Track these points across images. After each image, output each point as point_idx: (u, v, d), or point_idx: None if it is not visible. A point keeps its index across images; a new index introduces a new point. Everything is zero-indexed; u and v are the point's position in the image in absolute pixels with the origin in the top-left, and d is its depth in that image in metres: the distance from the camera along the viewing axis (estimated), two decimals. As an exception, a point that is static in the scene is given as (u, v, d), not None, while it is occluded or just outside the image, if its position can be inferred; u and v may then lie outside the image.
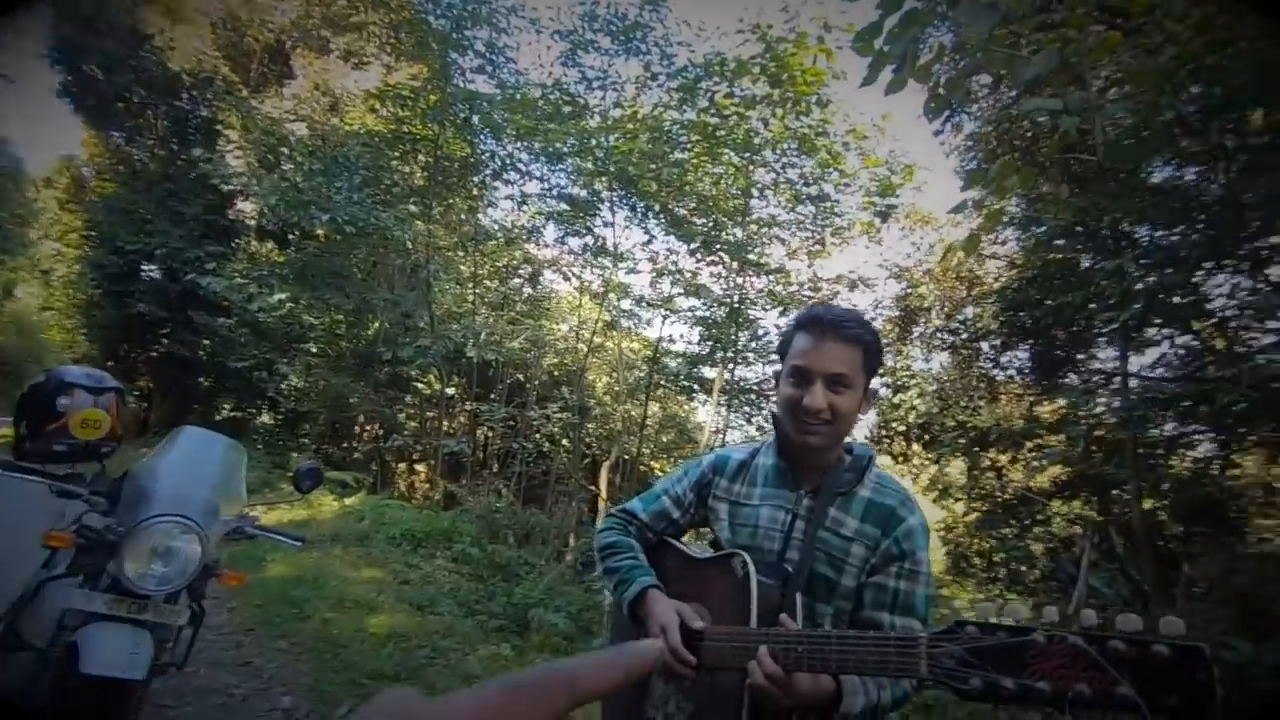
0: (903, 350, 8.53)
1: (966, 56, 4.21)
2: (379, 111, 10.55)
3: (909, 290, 8.49)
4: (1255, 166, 3.52)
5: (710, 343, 9.36)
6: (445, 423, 13.21)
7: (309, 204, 8.72)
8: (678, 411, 13.73)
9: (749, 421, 11.25)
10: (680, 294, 9.59)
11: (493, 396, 11.42)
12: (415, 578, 5.38)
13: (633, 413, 11.67)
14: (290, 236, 12.55)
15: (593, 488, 11.31)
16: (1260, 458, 6.19)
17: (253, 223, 13.98)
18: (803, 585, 1.20)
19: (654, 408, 12.42)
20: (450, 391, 13.15)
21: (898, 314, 8.61)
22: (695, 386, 11.59)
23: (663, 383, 11.42)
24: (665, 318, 10.28)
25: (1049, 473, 7.30)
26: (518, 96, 8.74)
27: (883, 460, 9.04)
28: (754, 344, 10.03)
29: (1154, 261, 4.34)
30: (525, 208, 11.05)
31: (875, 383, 1.34)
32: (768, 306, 9.57)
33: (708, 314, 9.96)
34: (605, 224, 9.73)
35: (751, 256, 8.83)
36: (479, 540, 6.51)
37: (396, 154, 10.17)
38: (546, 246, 11.82)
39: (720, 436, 10.12)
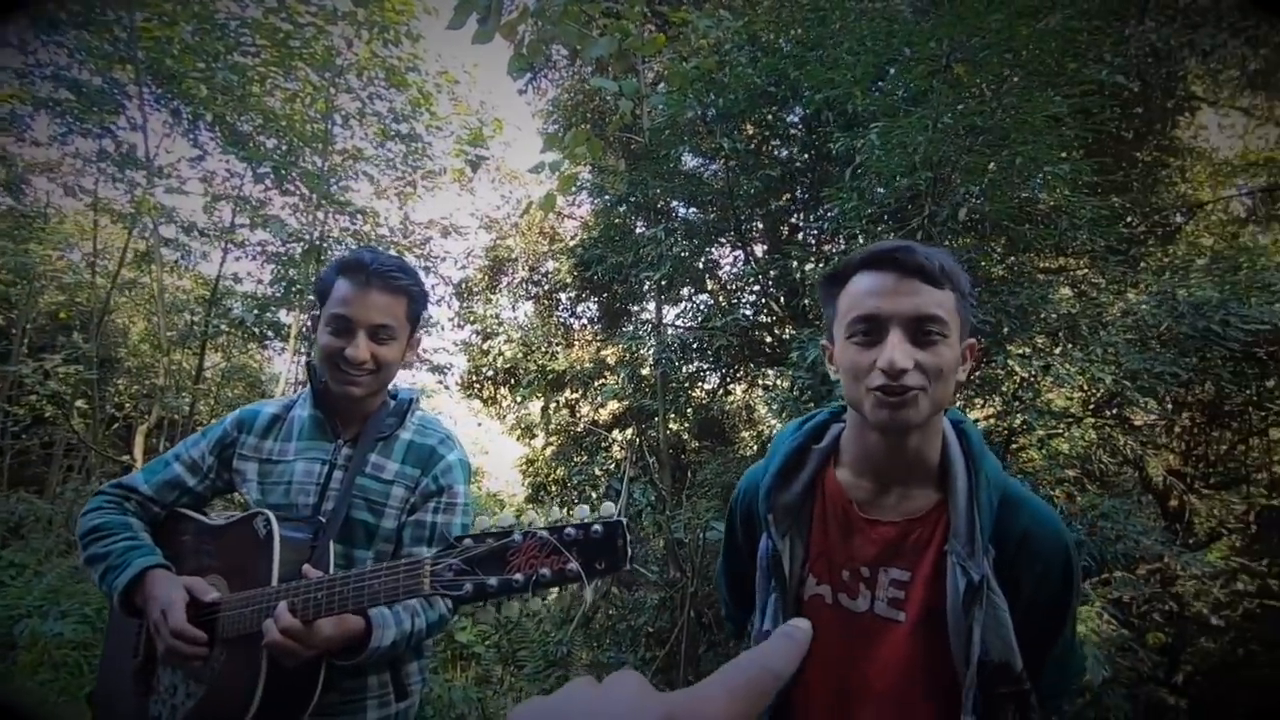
0: (492, 299, 8.92)
1: (546, 27, 4.48)
2: None
3: (498, 242, 8.86)
4: (745, 166, 4.62)
5: (283, 284, 8.29)
6: None
7: None
8: (248, 361, 11.92)
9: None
10: (245, 225, 8.23)
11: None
12: None
13: (186, 365, 9.71)
14: None
15: (126, 458, 9.10)
16: (743, 386, 8.38)
17: None
18: (337, 534, 1.17)
19: (215, 357, 10.56)
20: None
21: (487, 264, 8.93)
22: (270, 333, 10.19)
23: (224, 328, 9.72)
24: (227, 251, 8.71)
25: (609, 407, 8.60)
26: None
27: (473, 405, 9.41)
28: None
29: (683, 233, 5.36)
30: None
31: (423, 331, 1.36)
32: (354, 246, 8.89)
33: (282, 251, 8.78)
34: (134, 127, 7.66)
35: (335, 191, 8.05)
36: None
37: None
38: (38, 145, 8.74)
39: (301, 388, 9.15)
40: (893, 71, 2.95)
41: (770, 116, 4.40)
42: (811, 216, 5.05)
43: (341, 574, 0.99)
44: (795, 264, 4.39)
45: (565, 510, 0.88)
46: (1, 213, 9.43)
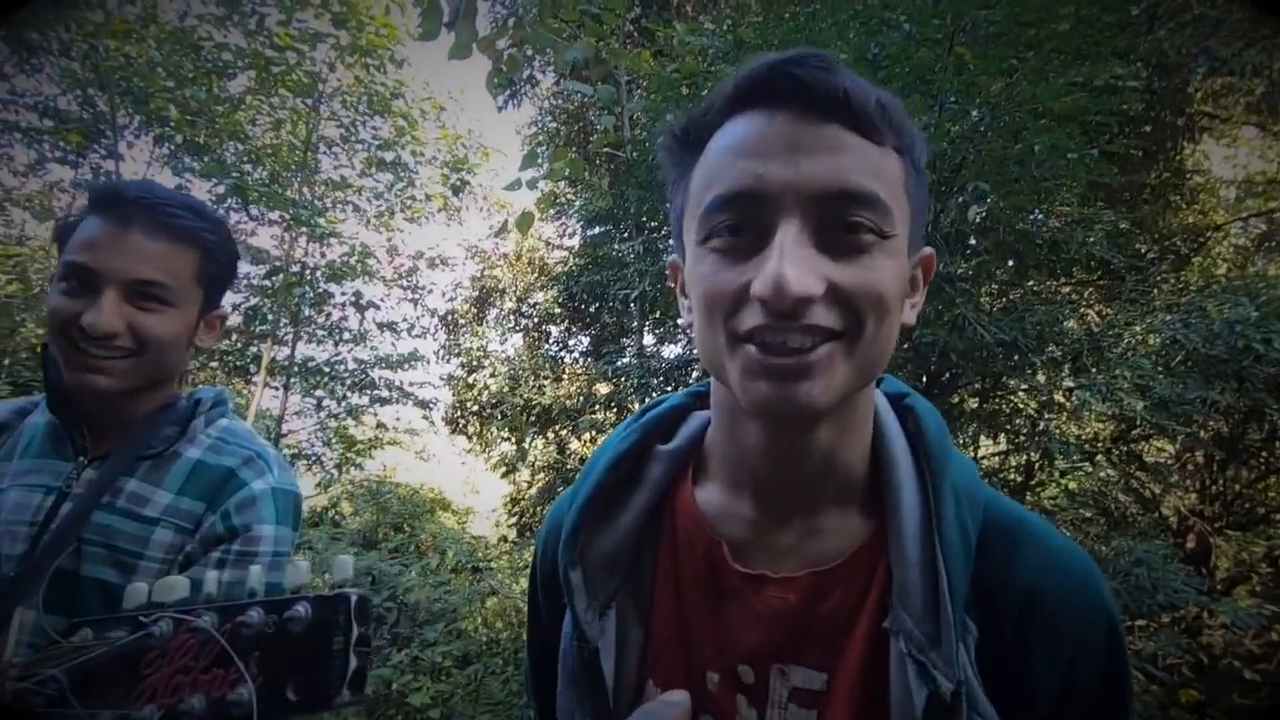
0: (479, 331, 8.61)
1: (521, 36, 4.26)
2: None
3: (485, 273, 8.60)
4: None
5: (258, 315, 8.00)
6: None
7: None
8: (235, 396, 11.61)
9: (320, 408, 10.05)
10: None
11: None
12: None
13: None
14: None
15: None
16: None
17: None
18: (46, 601, 0.79)
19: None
20: None
21: (475, 295, 8.65)
22: (252, 366, 9.86)
23: (206, 361, 9.40)
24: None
25: (598, 442, 8.21)
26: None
27: (459, 441, 9.01)
28: (324, 319, 8.95)
29: (667, 252, 5.06)
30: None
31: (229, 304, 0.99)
32: (340, 278, 8.62)
33: (265, 282, 8.51)
34: (109, 154, 7.48)
35: (322, 220, 7.83)
36: None
37: None
38: (16, 175, 8.58)
39: (275, 423, 8.79)
40: (888, 52, 2.66)
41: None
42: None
43: None
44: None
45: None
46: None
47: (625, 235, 5.28)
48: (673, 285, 0.66)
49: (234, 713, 0.46)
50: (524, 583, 7.82)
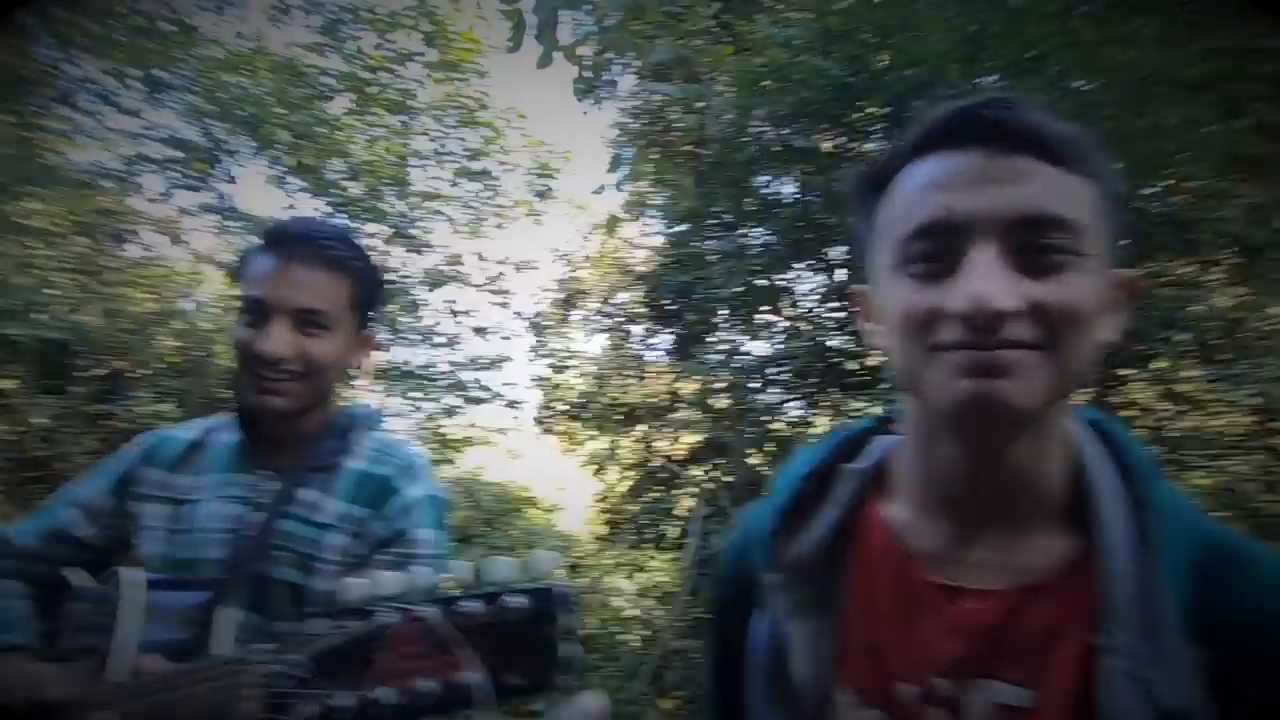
0: (564, 333, 8.81)
1: (605, 39, 4.32)
2: None
3: (570, 274, 8.79)
4: (822, 169, 4.22)
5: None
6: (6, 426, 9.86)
7: None
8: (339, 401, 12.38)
9: (417, 409, 10.57)
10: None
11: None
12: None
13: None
14: None
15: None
16: (828, 416, 7.81)
17: None
18: (249, 599, 0.87)
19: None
20: (6, 384, 9.85)
21: (560, 297, 8.85)
22: (354, 371, 10.49)
23: (314, 369, 10.10)
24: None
25: (685, 441, 8.22)
26: (88, -5, 6.74)
27: (548, 440, 9.24)
28: (418, 324, 9.40)
29: (754, 254, 5.00)
30: (111, 148, 8.68)
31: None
32: (431, 285, 9.03)
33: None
34: (230, 179, 8.13)
35: (415, 231, 8.24)
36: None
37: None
38: (150, 201, 9.48)
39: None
40: (992, 33, 2.52)
41: (850, 112, 3.99)
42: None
43: (163, 672, 0.69)
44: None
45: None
46: (120, 266, 10.26)
47: (711, 233, 5.27)
48: (856, 310, 0.71)
49: (461, 695, 0.50)
50: (619, 580, 7.95)
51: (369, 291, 1.00)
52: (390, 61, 7.01)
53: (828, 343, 5.34)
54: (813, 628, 0.63)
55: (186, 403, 9.05)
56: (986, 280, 0.51)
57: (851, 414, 7.84)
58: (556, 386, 8.42)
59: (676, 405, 8.03)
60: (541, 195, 8.00)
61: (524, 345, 9.14)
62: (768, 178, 4.98)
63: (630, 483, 8.30)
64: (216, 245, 9.04)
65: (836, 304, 5.99)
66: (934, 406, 0.56)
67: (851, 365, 5.89)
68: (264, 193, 9.18)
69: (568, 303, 8.91)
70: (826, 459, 0.69)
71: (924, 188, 0.57)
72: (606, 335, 9.16)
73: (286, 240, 0.95)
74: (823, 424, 7.97)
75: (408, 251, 8.53)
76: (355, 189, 8.26)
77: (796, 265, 5.94)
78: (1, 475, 8.60)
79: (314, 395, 0.97)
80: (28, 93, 8.14)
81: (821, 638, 0.63)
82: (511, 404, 9.07)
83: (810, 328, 6.25)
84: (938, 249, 0.55)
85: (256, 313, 0.92)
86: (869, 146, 4.93)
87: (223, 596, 0.85)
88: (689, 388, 8.48)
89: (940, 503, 0.62)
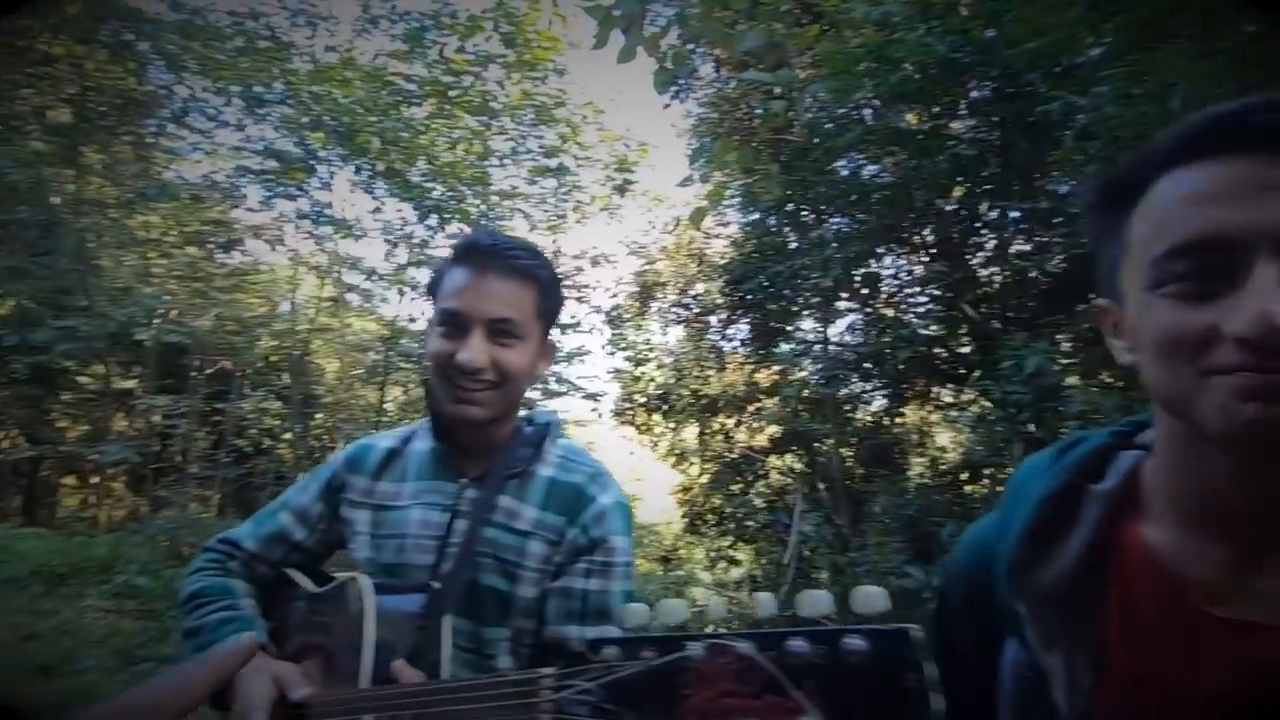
0: (642, 325, 8.84)
1: (689, 31, 4.28)
2: (-8, 21, 7.94)
3: (647, 267, 8.80)
4: (922, 150, 4.05)
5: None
6: (125, 423, 10.77)
7: None
8: (421, 395, 12.87)
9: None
10: (413, 265, 8.85)
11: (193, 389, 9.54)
12: (47, 628, 4.10)
13: (371, 399, 10.61)
14: None
15: (321, 486, 10.03)
16: (915, 406, 7.54)
17: None
18: (457, 606, 0.90)
19: (396, 392, 11.44)
20: (130, 384, 10.72)
21: (637, 289, 8.88)
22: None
23: (402, 364, 10.50)
24: (403, 293, 9.42)
25: (766, 432, 8.12)
26: (196, 22, 7.18)
27: (625, 431, 9.33)
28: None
29: (846, 239, 4.87)
30: (218, 161, 9.26)
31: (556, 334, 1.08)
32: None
33: (448, 289, 9.33)
34: (322, 185, 8.54)
35: (494, 229, 8.45)
36: (151, 566, 5.24)
37: (18, 76, 7.76)
38: (252, 210, 10.09)
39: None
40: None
41: (954, 89, 3.81)
42: (994, 209, 4.35)
43: (437, 683, 0.72)
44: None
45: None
46: (226, 272, 10.98)
47: (797, 221, 5.15)
48: (1101, 327, 0.67)
49: None
50: (717, 573, 7.93)
51: (553, 301, 1.01)
52: (471, 65, 7.17)
53: (919, 331, 5.14)
54: (1071, 658, 0.60)
55: (286, 398, 9.64)
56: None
57: (940, 405, 7.57)
58: (636, 379, 8.47)
59: (757, 396, 7.95)
60: (620, 190, 8.03)
61: (601, 339, 9.23)
62: (860, 161, 4.83)
63: (711, 475, 8.29)
64: (312, 249, 9.55)
65: (923, 290, 5.77)
66: (1209, 430, 0.52)
67: (940, 351, 5.66)
68: (353, 197, 9.58)
69: (645, 295, 8.94)
70: (1068, 479, 0.64)
71: (1189, 201, 0.54)
72: (683, 327, 9.16)
73: (478, 253, 0.96)
74: (911, 414, 7.73)
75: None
76: (438, 190, 8.53)
77: (881, 250, 5.76)
78: (129, 467, 9.39)
79: (506, 404, 0.99)
80: (144, 115, 8.79)
81: (1081, 669, 0.60)
82: (591, 397, 9.21)
83: (894, 315, 6.05)
84: (1209, 266, 0.52)
85: (454, 324, 0.93)
86: (960, 125, 4.71)
87: (443, 603, 0.89)
88: (769, 378, 8.39)
89: (1214, 527, 0.58)
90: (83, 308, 7.99)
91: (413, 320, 10.19)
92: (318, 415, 11.60)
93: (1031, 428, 2.77)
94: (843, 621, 0.52)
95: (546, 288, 1.00)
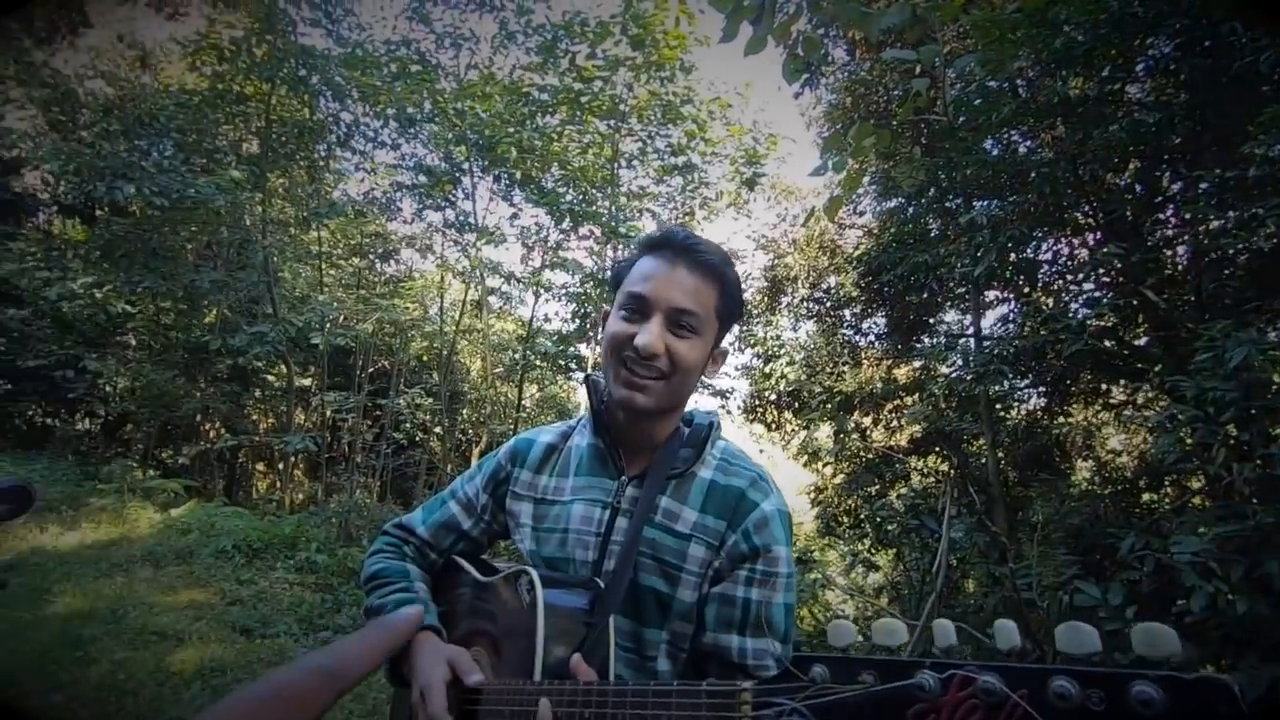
0: (772, 320, 8.65)
1: (822, 16, 4.13)
2: (202, 69, 9.23)
3: (776, 261, 8.59)
4: (1093, 118, 3.64)
5: (580, 319, 9.06)
6: (302, 417, 12.14)
7: (106, 171, 7.44)
8: (556, 391, 13.39)
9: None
10: (548, 268, 9.22)
11: (359, 385, 10.61)
12: (247, 595, 4.71)
13: (509, 395, 11.21)
14: (98, 213, 10.83)
15: (466, 476, 10.75)
16: (1080, 405, 6.80)
17: (46, 196, 11.97)
18: (620, 606, 0.91)
19: (532, 389, 12.00)
20: (306, 383, 12.07)
21: (766, 285, 8.71)
22: (573, 365, 11.29)
23: (538, 363, 11.00)
24: (538, 295, 9.86)
25: (906, 431, 7.67)
26: (358, 53, 7.91)
27: (756, 430, 9.18)
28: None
29: (994, 225, 4.48)
30: (377, 179, 10.17)
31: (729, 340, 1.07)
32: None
33: (580, 290, 9.65)
34: (466, 196, 9.12)
35: (623, 230, 8.60)
36: (327, 544, 5.86)
37: (220, 115, 8.94)
38: (406, 223, 11.01)
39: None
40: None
41: (1128, 49, 3.37)
42: (1177, 180, 3.80)
43: (618, 686, 0.70)
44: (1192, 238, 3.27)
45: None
46: (384, 279, 12.05)
47: (942, 206, 4.81)
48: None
49: None
50: (854, 578, 7.63)
51: (733, 304, 1.00)
52: (600, 70, 7.34)
53: (1088, 321, 4.62)
54: None
55: (436, 395, 10.41)
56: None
57: (1111, 403, 6.77)
58: (766, 375, 8.31)
59: (897, 393, 7.53)
60: (751, 185, 7.90)
61: (730, 335, 9.15)
62: (1014, 139, 4.42)
63: (846, 475, 7.97)
64: (457, 256, 10.26)
65: (1089, 275, 5.18)
66: None
67: (1107, 343, 5.04)
68: (493, 205, 10.15)
69: (774, 290, 8.74)
70: None
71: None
72: (814, 321, 8.86)
73: (671, 245, 0.97)
74: (1077, 413, 6.98)
75: (616, 250, 8.94)
76: (570, 195, 8.83)
77: (1039, 234, 5.23)
78: (307, 456, 10.56)
79: (672, 398, 0.98)
80: (316, 140, 9.85)
81: None
82: (720, 394, 9.15)
83: (1055, 305, 5.48)
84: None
85: (636, 309, 0.94)
86: (1136, 89, 4.17)
87: (609, 601, 0.89)
88: (908, 374, 7.91)
89: None
90: (270, 315, 9.11)
91: (547, 320, 10.64)
92: (463, 410, 12.42)
93: (1233, 429, 2.39)
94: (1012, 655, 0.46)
95: (729, 289, 0.99)
